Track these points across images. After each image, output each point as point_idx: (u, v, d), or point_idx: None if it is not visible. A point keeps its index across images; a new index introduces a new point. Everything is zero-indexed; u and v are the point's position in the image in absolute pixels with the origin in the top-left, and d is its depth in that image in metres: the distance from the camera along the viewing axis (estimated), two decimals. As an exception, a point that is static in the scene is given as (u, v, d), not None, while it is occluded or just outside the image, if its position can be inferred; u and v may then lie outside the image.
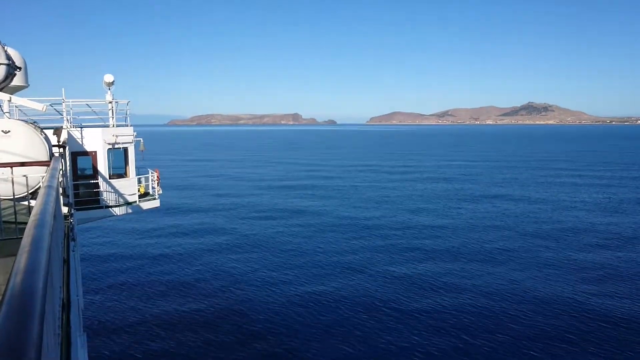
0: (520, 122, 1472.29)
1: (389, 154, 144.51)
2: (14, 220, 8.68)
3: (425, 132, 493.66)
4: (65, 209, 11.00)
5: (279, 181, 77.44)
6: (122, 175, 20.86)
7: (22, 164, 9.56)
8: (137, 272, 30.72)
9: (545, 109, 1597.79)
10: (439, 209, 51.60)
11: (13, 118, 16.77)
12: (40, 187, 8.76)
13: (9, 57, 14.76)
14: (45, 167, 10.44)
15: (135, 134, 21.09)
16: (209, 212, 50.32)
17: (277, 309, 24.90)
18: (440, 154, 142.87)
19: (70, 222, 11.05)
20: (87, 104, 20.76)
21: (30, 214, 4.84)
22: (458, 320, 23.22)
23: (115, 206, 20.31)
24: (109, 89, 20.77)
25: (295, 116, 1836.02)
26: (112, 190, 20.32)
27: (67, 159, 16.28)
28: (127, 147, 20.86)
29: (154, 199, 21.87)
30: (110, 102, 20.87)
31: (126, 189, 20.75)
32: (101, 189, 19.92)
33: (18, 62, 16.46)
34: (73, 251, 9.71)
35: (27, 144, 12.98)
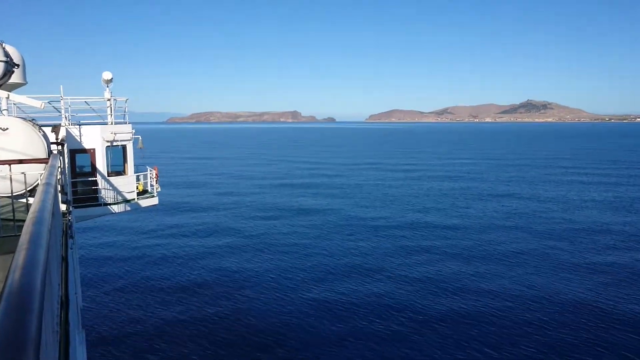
0: (519, 119, 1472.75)
1: (391, 152, 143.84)
2: (12, 217, 8.68)
3: (424, 129, 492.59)
4: (63, 207, 11.00)
5: (280, 179, 76.76)
6: (121, 172, 20.84)
7: (21, 162, 9.55)
8: (136, 269, 30.72)
9: (544, 106, 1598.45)
10: (447, 208, 50.61)
11: (11, 115, 16.74)
12: (38, 184, 8.76)
13: (7, 55, 14.73)
14: (43, 165, 10.44)
15: (133, 131, 21.06)
16: (208, 211, 50.20)
17: (281, 313, 23.93)
18: (442, 152, 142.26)
19: (69, 219, 11.04)
20: (85, 102, 20.74)
21: (28, 211, 4.84)
22: (476, 327, 22.27)
23: (114, 204, 20.30)
24: (108, 86, 20.74)
25: (295, 114, 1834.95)
26: (111, 188, 20.30)
27: (66, 156, 16.25)
28: (125, 145, 20.83)
29: (153, 196, 21.85)
30: (109, 100, 20.84)
31: (125, 187, 20.73)
32: (99, 186, 19.90)
33: (16, 60, 16.42)
34: (71, 249, 9.71)
35: (26, 141, 12.96)
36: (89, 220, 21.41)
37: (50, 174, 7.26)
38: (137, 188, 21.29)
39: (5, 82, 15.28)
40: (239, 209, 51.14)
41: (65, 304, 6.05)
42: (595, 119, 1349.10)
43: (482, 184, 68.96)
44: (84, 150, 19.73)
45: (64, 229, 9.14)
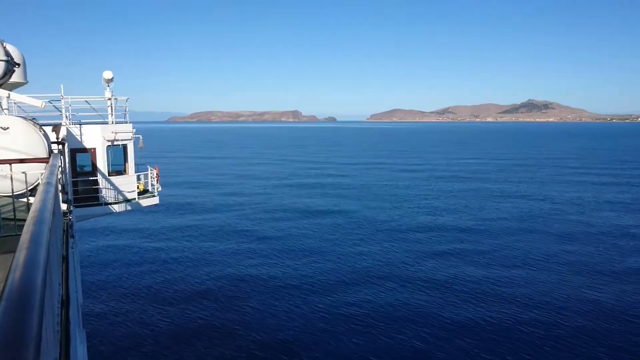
0: (520, 119, 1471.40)
1: (395, 152, 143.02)
2: (13, 217, 8.69)
3: (426, 129, 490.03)
4: (64, 206, 11.01)
5: (285, 179, 75.84)
6: (121, 172, 20.85)
7: (21, 161, 9.56)
8: (137, 269, 30.73)
9: (546, 106, 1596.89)
10: (459, 209, 49.34)
11: (12, 115, 16.75)
12: (39, 183, 8.78)
13: (7, 54, 14.73)
14: (44, 164, 10.45)
15: (134, 130, 21.07)
16: (211, 211, 50.04)
17: (287, 319, 22.98)
18: (447, 152, 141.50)
19: (69, 218, 11.05)
20: (86, 101, 20.74)
21: (29, 210, 4.85)
22: (496, 336, 21.24)
23: (115, 203, 20.31)
24: (108, 86, 20.74)
25: (296, 113, 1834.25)
26: (111, 187, 20.31)
27: (66, 155, 16.26)
28: (126, 144, 20.84)
29: (153, 196, 21.86)
30: (110, 99, 20.84)
31: (125, 186, 20.74)
32: (100, 185, 19.90)
33: (17, 59, 16.42)
34: (72, 248, 9.72)
35: (26, 140, 12.97)
36: (89, 219, 21.41)
37: (51, 174, 7.28)
38: (137, 187, 21.30)
39: (6, 82, 15.29)
40: (243, 210, 50.17)
41: (65, 303, 6.06)
42: (596, 119, 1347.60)
43: (493, 185, 67.52)
44: (84, 150, 19.74)
45: (65, 229, 9.15)
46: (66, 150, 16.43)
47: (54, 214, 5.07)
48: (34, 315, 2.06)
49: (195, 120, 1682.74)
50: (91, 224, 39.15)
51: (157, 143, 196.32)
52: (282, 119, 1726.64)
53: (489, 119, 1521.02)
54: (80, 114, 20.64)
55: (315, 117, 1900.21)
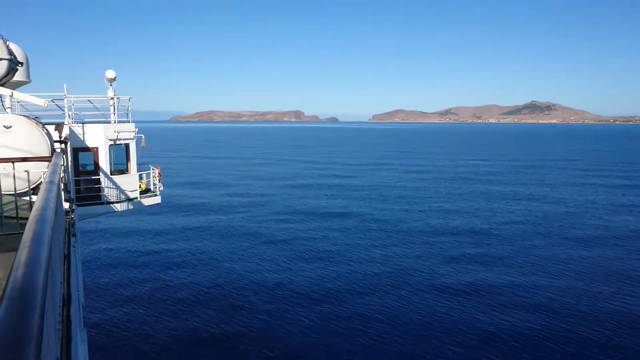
0: (523, 120, 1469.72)
1: (400, 152, 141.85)
2: (15, 215, 8.70)
3: (429, 130, 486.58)
4: (66, 205, 11.02)
5: (290, 180, 74.86)
6: (124, 171, 20.90)
7: (24, 159, 9.59)
8: (139, 269, 30.75)
9: (549, 107, 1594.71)
10: (471, 211, 48.16)
11: (15, 113, 16.78)
12: (41, 182, 8.79)
13: (10, 53, 14.76)
14: (46, 163, 10.47)
15: (136, 130, 21.11)
16: (212, 211, 49.93)
17: (295, 325, 22.22)
18: (452, 153, 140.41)
19: (72, 217, 11.07)
20: (88, 100, 20.78)
21: (31, 209, 4.85)
22: (529, 348, 20.24)
23: (117, 202, 20.35)
24: (111, 85, 20.79)
25: (298, 113, 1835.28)
26: (114, 187, 20.36)
27: (69, 154, 16.30)
28: (128, 144, 20.89)
29: (155, 195, 21.91)
30: (112, 98, 20.89)
31: (127, 185, 20.79)
32: (102, 185, 19.95)
33: (20, 58, 16.46)
34: (74, 247, 9.73)
35: (29, 139, 12.99)
36: (91, 218, 21.46)
37: (54, 172, 7.29)
38: (139, 187, 21.34)
39: (9, 80, 15.32)
40: (247, 211, 49.06)
41: (67, 301, 6.07)
42: (599, 121, 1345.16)
43: (503, 187, 65.95)
44: (87, 149, 19.78)
45: (67, 227, 9.16)
46: (69, 149, 16.48)
47: (56, 212, 5.07)
48: (36, 314, 2.05)
49: (197, 119, 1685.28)
50: (93, 224, 39.24)
51: (159, 142, 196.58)
52: (284, 119, 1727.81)
53: (491, 120, 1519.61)
54: (82, 113, 20.71)
55: (317, 117, 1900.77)
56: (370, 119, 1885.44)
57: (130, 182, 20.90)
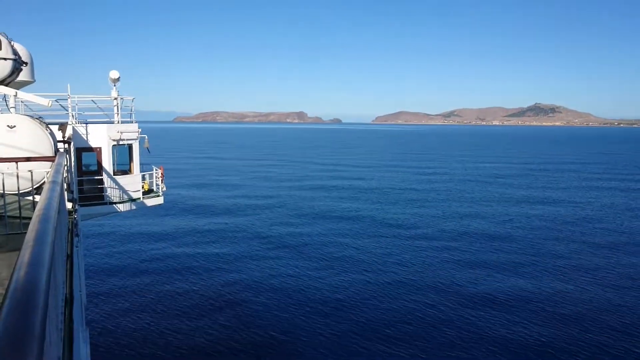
0: (527, 123, 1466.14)
1: (407, 154, 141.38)
2: (18, 215, 8.73)
3: (433, 132, 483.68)
4: (69, 205, 11.05)
5: (297, 181, 74.27)
6: (127, 171, 20.92)
7: (27, 159, 9.61)
8: (141, 269, 30.80)
9: (553, 110, 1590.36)
10: (486, 215, 47.46)
11: (19, 113, 16.83)
12: (44, 182, 8.80)
13: (15, 52, 14.81)
14: (50, 163, 10.50)
15: (140, 130, 21.14)
16: (218, 213, 49.77)
17: (302, 330, 21.94)
18: (459, 154, 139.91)
19: (74, 217, 11.09)
20: (92, 100, 20.83)
21: (34, 209, 4.87)
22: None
23: (119, 202, 20.38)
24: (115, 85, 20.82)
25: (301, 114, 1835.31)
26: (116, 187, 20.38)
27: (72, 154, 16.34)
28: (131, 144, 20.92)
29: (158, 196, 21.93)
30: (116, 99, 20.93)
31: (130, 186, 20.81)
32: (105, 185, 19.98)
33: (24, 58, 16.51)
34: (77, 247, 9.75)
35: (32, 139, 13.02)
36: (94, 219, 21.49)
37: (57, 172, 7.31)
38: (142, 187, 21.36)
39: (13, 80, 15.37)
40: (255, 213, 48.31)
41: (69, 301, 6.08)
42: (604, 124, 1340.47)
43: (516, 190, 65.08)
44: (90, 149, 19.81)
45: (70, 227, 9.19)
46: (72, 149, 16.51)
47: (59, 212, 5.09)
48: (38, 313, 2.06)
49: (200, 120, 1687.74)
50: (96, 224, 39.29)
51: (163, 143, 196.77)
52: (288, 120, 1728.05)
53: (495, 123, 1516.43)
54: (86, 113, 20.74)
55: (320, 118, 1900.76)
56: (373, 120, 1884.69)
57: (133, 183, 20.92)
